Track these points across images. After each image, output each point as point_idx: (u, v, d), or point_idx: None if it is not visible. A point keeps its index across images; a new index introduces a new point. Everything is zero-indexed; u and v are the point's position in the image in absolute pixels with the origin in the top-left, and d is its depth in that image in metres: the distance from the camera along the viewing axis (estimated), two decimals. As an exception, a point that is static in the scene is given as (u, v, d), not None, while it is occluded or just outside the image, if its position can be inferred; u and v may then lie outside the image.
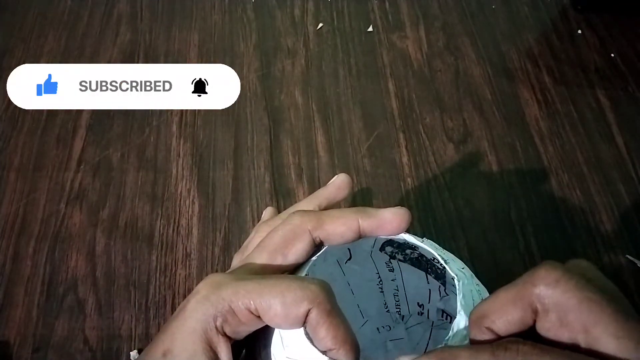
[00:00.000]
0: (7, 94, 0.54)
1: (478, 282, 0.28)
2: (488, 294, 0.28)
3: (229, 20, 0.64)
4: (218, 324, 0.23)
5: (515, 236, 0.48)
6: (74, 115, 0.56)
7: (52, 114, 0.56)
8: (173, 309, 0.44)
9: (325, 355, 0.23)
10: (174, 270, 0.46)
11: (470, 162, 0.53)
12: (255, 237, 0.31)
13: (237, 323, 0.24)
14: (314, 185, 0.51)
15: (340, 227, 0.26)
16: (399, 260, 0.35)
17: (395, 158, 0.53)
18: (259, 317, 0.23)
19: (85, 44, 0.62)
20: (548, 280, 0.21)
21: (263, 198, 0.50)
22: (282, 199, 0.50)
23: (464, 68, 0.60)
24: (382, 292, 0.38)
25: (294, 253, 0.26)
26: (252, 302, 0.23)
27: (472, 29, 0.63)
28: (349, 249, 0.35)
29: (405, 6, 0.65)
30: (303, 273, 0.27)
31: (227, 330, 0.24)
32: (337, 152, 0.53)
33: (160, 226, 0.49)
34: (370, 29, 0.63)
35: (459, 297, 0.25)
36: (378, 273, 0.37)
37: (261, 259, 0.26)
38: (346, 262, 0.36)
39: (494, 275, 0.46)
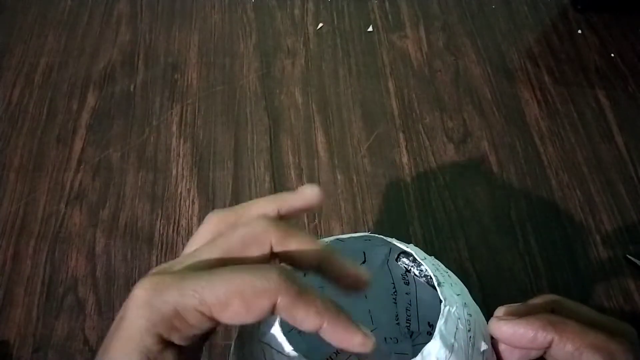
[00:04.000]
0: (7, 93, 0.54)
1: (475, 311, 0.27)
2: (482, 323, 0.27)
3: (229, 20, 0.64)
4: (162, 331, 0.20)
5: (515, 236, 0.48)
6: (74, 115, 0.56)
7: (52, 113, 0.56)
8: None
9: (322, 335, 0.21)
10: (174, 270, 0.46)
11: (470, 162, 0.53)
12: (203, 228, 0.26)
13: (186, 327, 0.20)
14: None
15: (301, 255, 0.23)
16: (415, 275, 0.34)
17: (395, 158, 0.53)
18: (212, 318, 0.20)
19: (85, 44, 0.62)
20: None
21: (263, 198, 0.50)
22: (282, 199, 0.50)
23: (464, 68, 0.60)
24: (396, 303, 0.38)
25: (249, 258, 0.23)
26: (203, 302, 0.20)
27: (472, 29, 0.63)
28: (363, 252, 0.35)
29: (405, 6, 0.65)
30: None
31: (175, 338, 0.21)
32: (337, 152, 0.53)
33: (160, 226, 0.49)
34: (370, 29, 0.63)
35: (440, 323, 0.24)
36: (394, 284, 0.36)
37: (211, 254, 0.22)
38: (360, 264, 0.36)
39: (494, 275, 0.46)
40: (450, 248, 0.47)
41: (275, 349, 0.23)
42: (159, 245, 0.47)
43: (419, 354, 0.23)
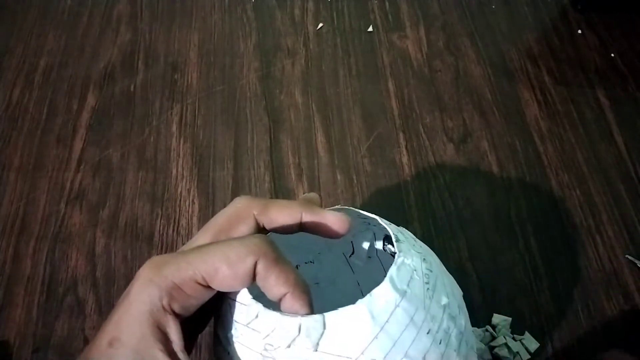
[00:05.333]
0: (7, 93, 0.54)
1: (439, 270, 0.27)
2: (448, 283, 0.27)
3: (229, 20, 0.64)
4: (165, 303, 0.23)
5: (515, 236, 0.48)
6: (74, 115, 0.56)
7: (52, 113, 0.56)
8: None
9: (281, 302, 0.23)
10: (174, 270, 0.46)
11: (470, 162, 0.53)
12: None
13: (184, 298, 0.23)
14: (314, 185, 0.51)
15: (284, 217, 0.26)
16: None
17: (395, 158, 0.53)
18: (207, 286, 0.23)
19: (85, 44, 0.62)
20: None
21: (263, 198, 0.50)
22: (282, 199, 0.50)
23: (464, 68, 0.60)
24: None
25: (238, 235, 0.26)
26: (196, 271, 0.23)
27: (472, 29, 0.63)
28: (351, 242, 0.35)
29: (405, 6, 0.66)
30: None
31: (176, 308, 0.23)
32: (337, 152, 0.53)
33: (160, 226, 0.49)
34: (370, 29, 0.63)
35: (392, 269, 0.25)
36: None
37: (205, 239, 0.25)
38: (350, 256, 0.36)
39: (494, 275, 0.46)
40: (450, 248, 0.47)
41: (238, 301, 0.25)
42: (159, 245, 0.47)
43: (368, 294, 0.24)
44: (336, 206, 0.30)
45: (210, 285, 0.23)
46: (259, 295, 0.24)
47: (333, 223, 0.27)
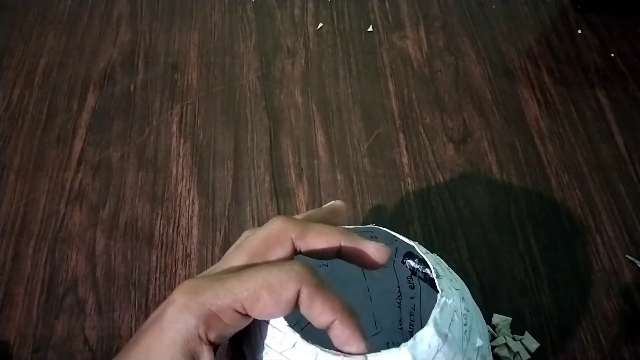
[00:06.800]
0: (7, 93, 0.54)
1: (473, 308, 0.27)
2: (480, 322, 0.27)
3: (229, 20, 0.64)
4: (201, 332, 0.22)
5: (515, 236, 0.48)
6: (74, 115, 0.56)
7: (52, 113, 0.56)
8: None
9: (329, 330, 0.22)
10: (174, 270, 0.46)
11: (470, 162, 0.53)
12: (237, 243, 0.29)
13: (222, 327, 0.22)
14: (314, 185, 0.51)
15: (322, 243, 0.25)
16: (420, 278, 0.34)
17: (395, 158, 0.53)
18: (246, 314, 0.22)
19: (85, 44, 0.62)
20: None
21: (263, 198, 0.50)
22: (282, 199, 0.50)
23: (464, 68, 0.60)
24: (400, 307, 0.37)
25: (275, 258, 0.24)
26: (236, 299, 0.22)
27: (472, 29, 0.63)
28: None
29: (405, 6, 0.66)
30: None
31: (212, 337, 0.22)
32: (337, 152, 0.53)
33: (160, 226, 0.49)
34: (370, 29, 0.63)
35: (436, 311, 0.24)
36: (399, 287, 0.36)
37: (239, 261, 0.24)
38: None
39: (494, 275, 0.46)
40: (450, 248, 0.47)
41: (272, 325, 0.24)
42: (159, 245, 0.47)
43: (411, 338, 0.23)
44: (369, 225, 0.30)
45: (250, 313, 0.22)
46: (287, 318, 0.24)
47: (373, 253, 0.25)
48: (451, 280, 0.27)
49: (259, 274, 0.22)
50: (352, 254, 0.26)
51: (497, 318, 0.43)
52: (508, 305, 0.44)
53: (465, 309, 0.26)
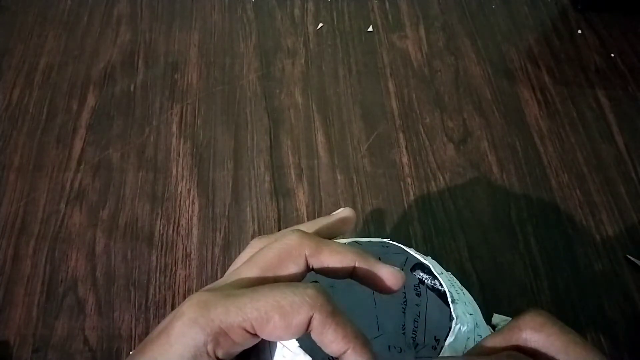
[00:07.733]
0: (7, 93, 0.54)
1: (485, 332, 0.27)
2: None
3: (229, 20, 0.64)
4: (209, 349, 0.21)
5: (515, 236, 0.48)
6: (74, 115, 0.56)
7: (52, 113, 0.56)
8: (173, 309, 0.44)
9: (340, 359, 0.22)
10: (174, 270, 0.46)
11: (470, 162, 0.53)
12: (247, 251, 0.28)
13: (230, 344, 0.22)
14: (314, 185, 0.51)
15: (336, 262, 0.24)
16: (428, 287, 0.34)
17: (395, 158, 0.53)
18: (254, 334, 0.22)
19: (85, 44, 0.62)
20: (533, 325, 0.22)
21: (263, 198, 0.50)
22: (282, 199, 0.50)
23: (464, 68, 0.60)
24: (404, 313, 0.37)
25: (287, 275, 0.24)
26: (246, 318, 0.21)
27: (472, 29, 0.63)
28: (379, 258, 0.35)
29: (405, 6, 0.66)
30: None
31: (220, 354, 0.22)
32: (337, 152, 0.53)
33: (160, 226, 0.49)
34: (370, 29, 0.63)
35: (449, 340, 0.24)
36: (405, 294, 0.36)
37: (251, 273, 0.24)
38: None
39: (494, 276, 0.46)
40: (450, 248, 0.47)
41: (283, 343, 0.24)
42: (159, 245, 0.47)
43: None
44: (384, 240, 0.29)
45: (259, 334, 0.22)
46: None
47: (387, 278, 0.25)
48: (465, 304, 0.27)
49: (272, 294, 0.22)
50: (365, 277, 0.25)
51: (497, 318, 0.43)
52: (508, 305, 0.44)
53: (478, 335, 0.26)
